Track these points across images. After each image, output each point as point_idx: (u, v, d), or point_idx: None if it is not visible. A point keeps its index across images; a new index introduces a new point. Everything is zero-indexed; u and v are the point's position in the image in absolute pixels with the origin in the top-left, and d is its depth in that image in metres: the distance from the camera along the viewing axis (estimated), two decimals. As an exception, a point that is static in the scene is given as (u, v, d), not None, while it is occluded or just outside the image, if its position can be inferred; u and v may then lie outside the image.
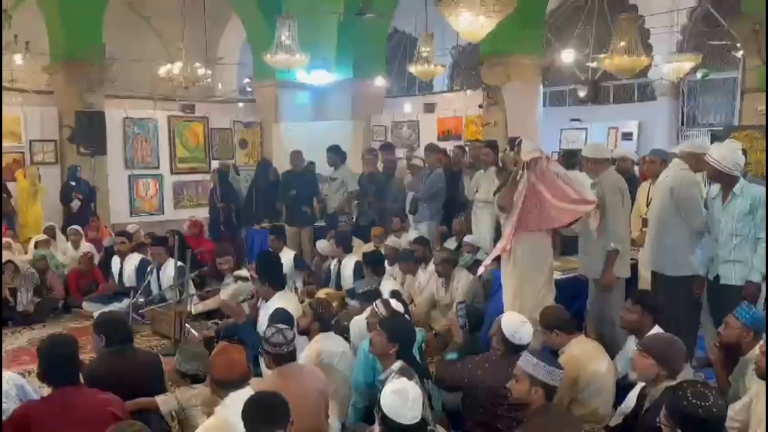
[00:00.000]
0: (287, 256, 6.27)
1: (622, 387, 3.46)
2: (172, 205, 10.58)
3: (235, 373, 2.72)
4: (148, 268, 6.27)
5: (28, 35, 7.99)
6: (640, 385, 3.05)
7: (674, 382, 2.58)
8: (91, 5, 9.26)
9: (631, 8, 10.85)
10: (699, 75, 10.60)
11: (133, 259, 6.56)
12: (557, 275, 4.66)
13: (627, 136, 11.61)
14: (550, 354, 2.83)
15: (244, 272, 5.81)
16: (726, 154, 3.96)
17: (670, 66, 9.75)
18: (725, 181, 4.00)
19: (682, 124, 11.58)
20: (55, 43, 9.44)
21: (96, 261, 7.13)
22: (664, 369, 2.85)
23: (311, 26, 9.61)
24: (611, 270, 4.25)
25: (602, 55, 8.10)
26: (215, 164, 9.70)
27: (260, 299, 4.68)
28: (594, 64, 10.62)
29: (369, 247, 6.35)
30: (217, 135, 11.06)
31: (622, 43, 7.51)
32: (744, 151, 4.49)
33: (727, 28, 9.02)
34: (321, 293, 5.50)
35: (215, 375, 2.76)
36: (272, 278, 4.55)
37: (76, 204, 8.55)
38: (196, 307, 5.82)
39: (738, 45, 8.31)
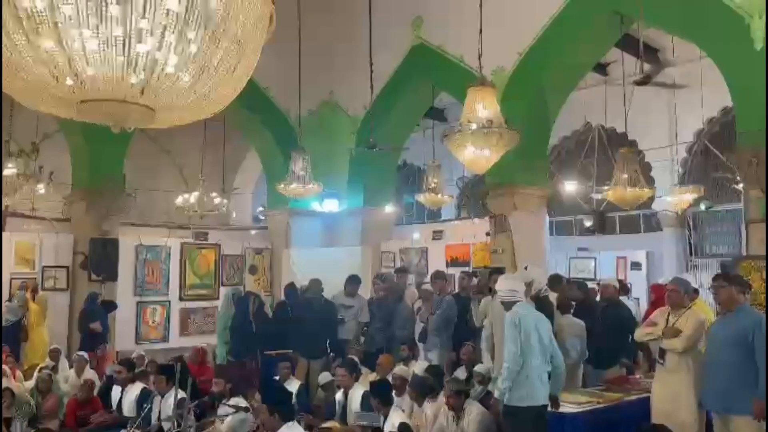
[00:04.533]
0: (293, 387, 6.07)
1: None
2: (177, 333, 10.46)
3: None
4: (150, 398, 6.06)
5: (51, 165, 8.42)
6: None
7: None
8: (116, 140, 9.77)
9: (630, 143, 11.31)
10: (702, 207, 10.80)
11: (135, 389, 6.37)
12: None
13: (636, 265, 11.62)
14: None
15: (241, 401, 5.59)
16: (503, 284, 4.61)
17: (671, 198, 9.97)
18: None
19: (691, 254, 11.61)
20: (78, 173, 9.88)
21: (96, 390, 6.92)
22: None
23: (324, 159, 10.05)
24: None
25: (605, 187, 8.34)
26: (234, 289, 9.38)
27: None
28: (598, 196, 10.89)
29: (374, 376, 6.15)
30: (227, 261, 11.19)
31: (624, 176, 7.74)
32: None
33: (725, 161, 9.33)
34: (325, 426, 5.24)
35: None
36: (281, 408, 4.40)
37: (97, 328, 8.47)
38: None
39: (738, 177, 8.54)
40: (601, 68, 11.38)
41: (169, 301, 10.46)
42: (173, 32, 1.80)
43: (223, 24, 1.91)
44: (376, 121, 10.17)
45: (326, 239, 11.22)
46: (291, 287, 8.40)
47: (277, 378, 6.52)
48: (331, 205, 10.67)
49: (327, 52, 10.71)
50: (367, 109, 9.93)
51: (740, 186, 7.27)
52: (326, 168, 9.92)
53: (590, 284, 7.61)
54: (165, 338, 10.33)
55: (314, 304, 7.57)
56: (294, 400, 6.01)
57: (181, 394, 5.23)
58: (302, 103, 8.82)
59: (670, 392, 4.52)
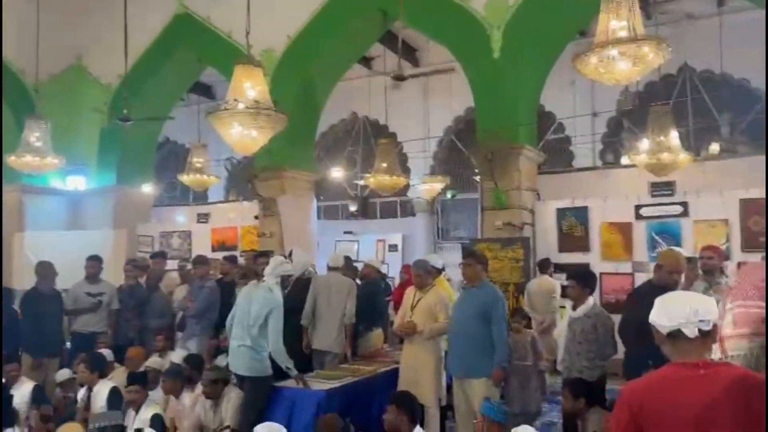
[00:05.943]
0: (24, 389, 5.29)
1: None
2: None
3: None
4: None
5: None
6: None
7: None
8: None
9: (391, 135, 12.12)
10: (448, 195, 12.07)
11: None
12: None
13: (393, 247, 12.53)
14: None
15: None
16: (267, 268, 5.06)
17: (424, 186, 11.00)
18: None
19: (438, 237, 12.90)
20: None
21: None
22: None
23: (69, 130, 8.97)
24: None
25: (368, 175, 8.82)
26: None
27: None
28: (362, 182, 11.47)
29: (123, 371, 5.67)
30: (-62, 246, 9.29)
31: (384, 165, 8.28)
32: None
33: (467, 155, 10.52)
34: (62, 429, 4.67)
35: None
36: None
37: None
38: None
39: (476, 170, 9.71)
40: (366, 61, 11.94)
41: None
42: None
43: None
44: (132, 92, 9.31)
45: (70, 221, 10.02)
46: None
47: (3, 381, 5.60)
48: (76, 183, 9.54)
49: (73, 10, 9.48)
50: (121, 78, 9.02)
51: (478, 178, 8.28)
52: (70, 140, 8.85)
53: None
54: None
55: (43, 292, 6.55)
56: (28, 401, 5.26)
57: None
58: (41, 66, 7.74)
59: (413, 361, 4.97)
